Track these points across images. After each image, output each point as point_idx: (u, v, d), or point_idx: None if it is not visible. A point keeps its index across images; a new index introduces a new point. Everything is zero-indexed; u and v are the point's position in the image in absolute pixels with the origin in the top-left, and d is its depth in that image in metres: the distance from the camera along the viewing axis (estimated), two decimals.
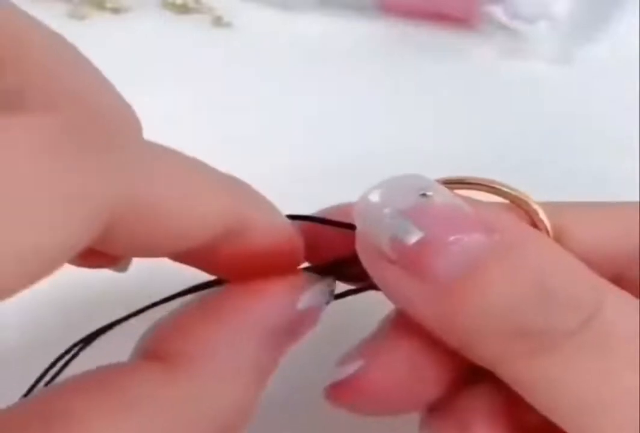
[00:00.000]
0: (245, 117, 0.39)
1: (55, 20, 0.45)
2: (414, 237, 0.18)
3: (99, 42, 0.43)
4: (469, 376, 0.21)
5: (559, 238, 0.21)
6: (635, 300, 0.18)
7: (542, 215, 0.21)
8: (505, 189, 0.21)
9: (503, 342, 0.18)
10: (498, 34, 0.42)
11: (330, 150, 0.37)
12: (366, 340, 0.21)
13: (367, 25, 0.44)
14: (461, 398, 0.21)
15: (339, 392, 0.21)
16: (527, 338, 0.17)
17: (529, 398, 0.18)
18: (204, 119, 0.39)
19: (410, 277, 0.18)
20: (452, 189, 0.21)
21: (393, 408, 0.21)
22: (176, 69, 0.41)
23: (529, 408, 0.18)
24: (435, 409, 0.21)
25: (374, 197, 0.19)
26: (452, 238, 0.18)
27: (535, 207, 0.21)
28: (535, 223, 0.21)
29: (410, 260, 0.18)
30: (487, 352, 0.18)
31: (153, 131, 0.37)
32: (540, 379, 0.18)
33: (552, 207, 0.22)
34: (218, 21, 0.44)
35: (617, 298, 0.18)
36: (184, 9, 0.44)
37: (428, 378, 0.20)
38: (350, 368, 0.21)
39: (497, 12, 0.42)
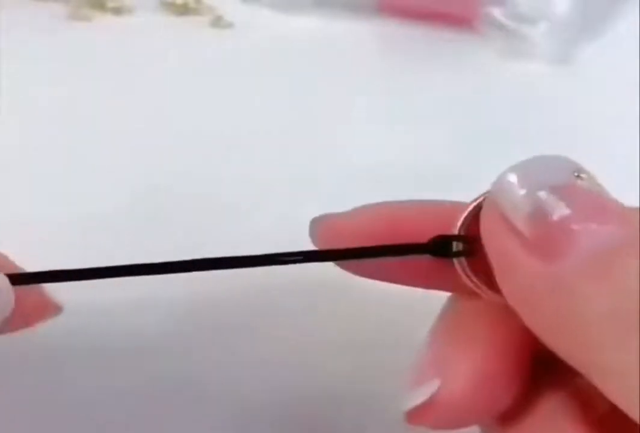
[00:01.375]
0: (245, 116, 0.39)
1: (56, 21, 0.46)
2: (559, 214, 0.18)
3: (99, 43, 0.43)
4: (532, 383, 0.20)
5: None
6: None
7: None
8: None
9: (610, 349, 0.17)
10: (498, 34, 0.42)
11: (327, 150, 0.37)
12: (430, 354, 0.21)
13: (366, 26, 0.44)
14: (539, 407, 0.20)
15: (421, 415, 0.20)
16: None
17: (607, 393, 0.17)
18: (203, 117, 0.39)
19: (538, 257, 0.18)
20: None
21: (468, 420, 0.21)
22: (176, 69, 0.41)
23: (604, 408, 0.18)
24: (509, 420, 0.21)
25: (520, 171, 0.19)
26: (594, 223, 0.18)
27: None
28: None
29: (545, 240, 0.18)
30: (592, 342, 0.17)
31: (153, 130, 0.38)
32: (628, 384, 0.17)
33: None
34: (218, 22, 0.44)
35: None
36: (184, 10, 0.44)
37: (499, 387, 0.20)
38: (428, 390, 0.20)
39: (497, 13, 0.42)
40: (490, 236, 0.19)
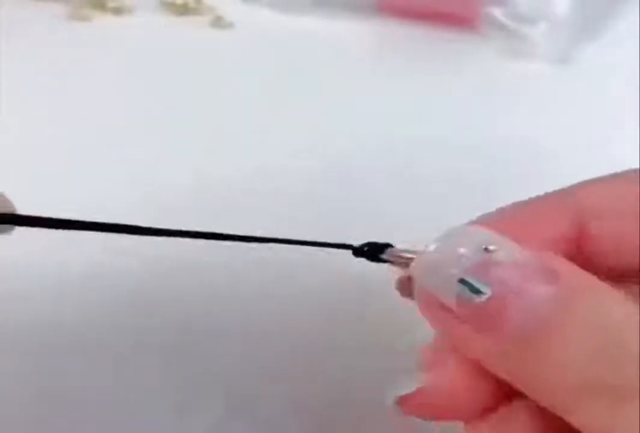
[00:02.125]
0: (245, 115, 0.39)
1: (56, 21, 0.46)
2: (482, 295, 0.18)
3: (100, 43, 0.43)
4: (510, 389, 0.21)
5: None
6: None
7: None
8: None
9: (578, 394, 0.18)
10: (498, 34, 0.42)
11: (327, 149, 0.37)
12: (428, 351, 0.21)
13: (366, 26, 0.44)
14: (504, 410, 0.21)
15: (409, 402, 0.21)
16: (602, 391, 0.17)
17: None
18: (203, 116, 0.39)
19: (481, 333, 0.18)
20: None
21: (451, 415, 0.21)
22: (176, 69, 0.41)
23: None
24: (476, 419, 0.21)
25: (435, 253, 0.19)
26: (521, 292, 0.18)
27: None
28: None
29: (480, 318, 0.18)
30: (560, 402, 0.18)
31: (152, 130, 0.38)
32: (614, 429, 0.18)
33: (574, 192, 0.22)
34: (218, 22, 0.44)
35: None
36: (184, 10, 0.44)
37: (483, 388, 0.21)
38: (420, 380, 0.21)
39: (497, 13, 0.42)
40: (432, 321, 0.20)
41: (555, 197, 0.22)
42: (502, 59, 0.42)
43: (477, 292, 0.18)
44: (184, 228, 0.21)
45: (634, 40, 0.42)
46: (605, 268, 0.20)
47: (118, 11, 0.44)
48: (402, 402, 0.21)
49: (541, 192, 0.35)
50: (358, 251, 0.22)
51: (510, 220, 0.22)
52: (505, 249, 0.19)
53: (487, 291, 0.18)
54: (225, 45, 0.43)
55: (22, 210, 0.23)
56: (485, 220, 0.21)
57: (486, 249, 0.19)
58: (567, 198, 0.22)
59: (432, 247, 0.19)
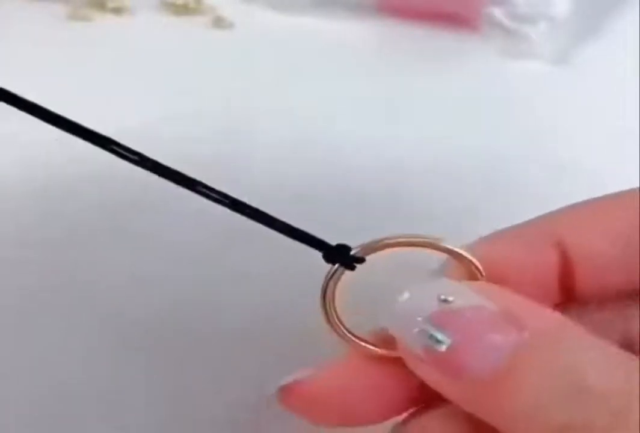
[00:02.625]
0: (246, 115, 0.39)
1: (56, 21, 0.45)
2: (443, 345, 0.19)
3: (100, 43, 0.43)
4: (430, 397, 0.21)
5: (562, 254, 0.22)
6: None
7: (477, 264, 0.22)
8: (441, 246, 0.22)
9: None
10: (498, 34, 0.42)
11: (326, 150, 0.37)
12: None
13: (366, 26, 0.44)
14: (423, 419, 0.22)
15: (287, 394, 0.22)
16: (567, 431, 0.18)
17: None
18: (203, 116, 0.39)
19: (449, 378, 0.19)
20: (383, 249, 0.22)
21: (349, 419, 0.22)
22: (177, 69, 0.42)
23: None
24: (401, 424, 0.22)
25: (400, 308, 0.20)
26: (480, 340, 0.19)
27: (470, 258, 0.22)
28: (472, 272, 0.22)
29: (444, 364, 0.19)
30: None
31: (151, 131, 0.38)
32: None
33: (556, 218, 0.22)
34: (219, 22, 0.44)
35: None
36: (184, 10, 0.44)
37: (386, 394, 0.22)
38: (303, 374, 0.22)
39: (497, 13, 0.42)
40: (408, 362, 0.21)
41: (536, 226, 0.23)
42: (502, 58, 0.42)
43: (438, 341, 0.19)
44: None
45: (634, 40, 0.42)
46: (597, 291, 0.21)
47: (118, 11, 0.44)
48: (283, 390, 0.22)
49: (537, 190, 0.35)
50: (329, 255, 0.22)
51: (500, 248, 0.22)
52: (463, 298, 0.20)
53: (447, 340, 0.19)
54: (225, 45, 0.43)
55: None
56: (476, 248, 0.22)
57: (444, 300, 0.20)
58: (547, 226, 0.23)
59: (398, 303, 0.20)
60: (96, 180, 0.34)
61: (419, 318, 0.19)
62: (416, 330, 0.19)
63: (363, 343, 0.22)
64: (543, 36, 0.41)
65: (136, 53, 0.42)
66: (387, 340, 0.22)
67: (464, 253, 0.22)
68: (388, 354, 0.22)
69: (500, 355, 0.18)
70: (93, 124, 0.39)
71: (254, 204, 0.22)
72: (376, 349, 0.22)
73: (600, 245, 0.22)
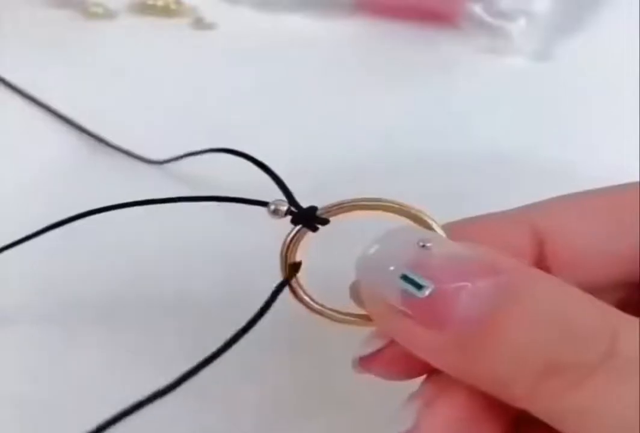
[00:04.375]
0: (229, 117, 0.39)
1: (41, 25, 0.45)
2: (424, 290, 0.18)
3: (81, 47, 0.43)
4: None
5: (546, 244, 0.22)
6: None
7: (439, 229, 0.22)
8: (404, 208, 0.22)
9: (531, 381, 0.18)
10: (478, 31, 0.42)
11: (313, 149, 0.37)
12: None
13: (347, 24, 0.44)
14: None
15: (367, 362, 0.22)
16: (554, 374, 0.18)
17: (557, 426, 0.18)
18: (186, 118, 0.39)
19: (428, 328, 0.19)
20: (349, 211, 0.22)
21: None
22: (159, 71, 0.41)
23: None
24: None
25: (375, 254, 0.19)
26: (462, 285, 0.18)
27: (430, 222, 0.22)
28: None
29: (426, 313, 0.18)
30: (516, 392, 0.18)
31: (137, 131, 0.38)
32: (572, 412, 0.18)
33: (533, 209, 0.23)
34: (199, 23, 0.44)
35: (628, 322, 0.19)
36: (165, 12, 0.44)
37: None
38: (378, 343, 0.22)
39: (477, 9, 0.42)
40: (380, 319, 0.20)
41: (512, 215, 0.23)
42: (483, 55, 0.42)
43: (419, 287, 0.18)
44: None
45: (613, 36, 0.43)
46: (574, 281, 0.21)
47: (100, 15, 0.44)
48: (363, 360, 0.22)
49: (524, 187, 0.35)
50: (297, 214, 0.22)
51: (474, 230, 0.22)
52: (441, 244, 0.19)
53: (429, 286, 0.18)
54: (207, 46, 0.43)
55: None
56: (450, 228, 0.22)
57: (423, 246, 0.19)
58: (523, 217, 0.23)
59: (371, 248, 0.20)
60: None
61: (395, 266, 0.19)
62: (395, 276, 0.19)
63: (328, 311, 0.22)
64: (523, 32, 0.42)
65: (117, 55, 0.42)
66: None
67: (430, 220, 0.22)
68: (356, 323, 0.22)
69: (484, 301, 0.18)
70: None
71: None
72: (345, 317, 0.22)
73: (579, 234, 0.22)
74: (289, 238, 0.22)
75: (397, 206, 0.22)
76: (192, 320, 0.31)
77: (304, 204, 0.23)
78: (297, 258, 0.22)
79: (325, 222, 0.22)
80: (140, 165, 0.36)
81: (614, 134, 0.38)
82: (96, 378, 0.29)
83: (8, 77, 0.40)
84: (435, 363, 0.19)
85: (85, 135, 0.37)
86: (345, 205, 0.22)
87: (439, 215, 0.22)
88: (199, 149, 0.36)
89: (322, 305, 0.22)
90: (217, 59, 0.42)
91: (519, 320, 0.18)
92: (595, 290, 0.21)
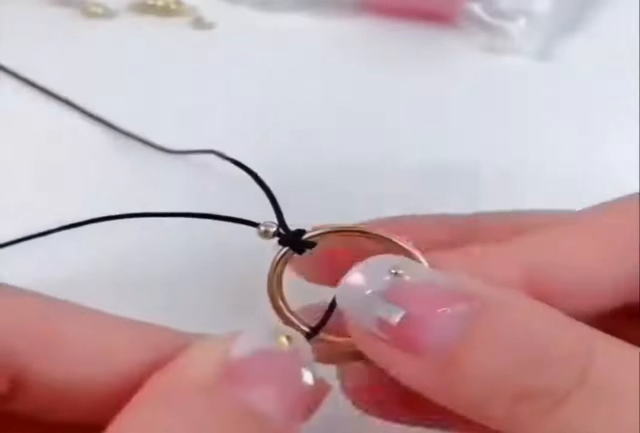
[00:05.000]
0: (229, 117, 0.39)
1: (41, 25, 0.45)
2: (397, 317, 0.19)
3: (81, 46, 0.43)
4: None
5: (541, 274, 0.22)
6: (621, 342, 0.19)
7: (421, 257, 0.22)
8: (386, 236, 0.22)
9: (506, 405, 0.18)
10: (478, 30, 0.42)
11: (313, 149, 0.37)
12: None
13: (348, 24, 0.44)
14: None
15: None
16: (527, 399, 0.18)
17: None
18: (187, 118, 0.39)
19: (405, 354, 0.19)
20: (334, 237, 0.22)
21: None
22: (159, 71, 0.41)
23: None
24: None
25: (352, 281, 0.20)
26: (433, 311, 0.19)
27: (412, 250, 0.22)
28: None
29: (399, 339, 0.19)
30: (494, 416, 0.19)
31: (137, 131, 0.38)
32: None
33: (524, 246, 0.22)
34: (199, 22, 0.44)
35: (606, 343, 0.19)
36: (165, 11, 0.44)
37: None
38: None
39: (477, 9, 0.42)
40: (362, 345, 0.20)
41: (502, 253, 0.23)
42: (483, 54, 0.42)
43: (391, 312, 0.19)
44: None
45: (614, 36, 0.43)
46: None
47: (99, 15, 0.44)
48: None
49: (524, 187, 0.35)
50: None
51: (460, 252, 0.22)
52: (413, 271, 0.20)
53: (400, 312, 0.19)
54: (207, 46, 0.43)
55: None
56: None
57: (395, 273, 0.20)
58: (513, 255, 0.22)
59: (350, 276, 0.20)
60: None
61: (369, 292, 0.19)
62: (371, 303, 0.19)
63: (306, 329, 0.22)
64: (524, 32, 0.42)
65: (117, 55, 0.42)
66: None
67: (411, 249, 0.22)
68: (343, 342, 0.22)
69: (455, 326, 0.18)
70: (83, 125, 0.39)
71: None
72: (330, 337, 0.22)
73: (572, 268, 0.22)
74: (275, 260, 0.23)
75: (380, 234, 0.22)
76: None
77: (301, 208, 0.23)
78: (284, 278, 0.23)
79: (312, 245, 0.23)
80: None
81: (614, 134, 0.38)
82: None
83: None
84: (416, 387, 0.20)
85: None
86: (331, 229, 0.23)
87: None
88: (195, 148, 0.36)
89: (304, 324, 0.23)
90: (217, 58, 0.42)
91: (489, 345, 0.18)
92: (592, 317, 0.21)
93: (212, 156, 0.33)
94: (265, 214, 0.23)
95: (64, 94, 0.39)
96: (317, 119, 0.39)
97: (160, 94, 0.40)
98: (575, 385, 0.18)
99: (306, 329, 0.22)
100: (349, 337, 0.21)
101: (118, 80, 0.41)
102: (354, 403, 0.23)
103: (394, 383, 0.20)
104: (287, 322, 0.22)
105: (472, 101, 0.40)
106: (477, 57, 0.42)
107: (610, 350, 0.18)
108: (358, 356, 0.21)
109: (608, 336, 0.19)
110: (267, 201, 0.23)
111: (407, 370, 0.19)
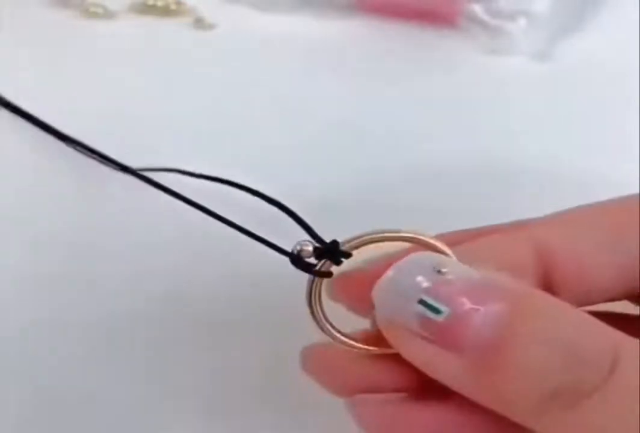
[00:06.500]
0: (228, 118, 0.39)
1: (40, 26, 0.45)
2: (442, 315, 0.19)
3: (82, 47, 0.43)
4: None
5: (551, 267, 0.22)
6: None
7: (453, 256, 0.22)
8: (422, 239, 0.22)
9: (537, 402, 0.19)
10: (478, 31, 0.42)
11: (314, 151, 0.37)
12: None
13: (347, 25, 0.44)
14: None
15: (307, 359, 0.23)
16: (558, 396, 0.18)
17: None
18: (187, 118, 0.39)
19: (447, 352, 0.19)
20: (369, 243, 0.22)
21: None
22: (159, 71, 0.42)
23: None
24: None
25: (393, 280, 0.20)
26: (478, 309, 0.19)
27: (446, 251, 0.22)
28: None
29: (443, 336, 0.19)
30: (523, 412, 0.19)
31: (141, 133, 0.38)
32: (573, 429, 0.19)
33: (535, 226, 0.23)
34: (200, 23, 0.44)
35: (630, 346, 0.19)
36: (165, 12, 0.44)
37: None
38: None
39: (478, 9, 0.42)
40: (399, 345, 0.21)
41: (514, 232, 0.23)
42: (483, 55, 0.42)
43: (436, 311, 0.19)
44: None
45: (613, 36, 0.43)
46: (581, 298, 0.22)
47: (100, 15, 0.44)
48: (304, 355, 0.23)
49: (525, 187, 0.35)
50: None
51: (474, 243, 0.23)
52: (456, 270, 0.20)
53: (445, 310, 0.19)
54: (207, 46, 0.43)
55: None
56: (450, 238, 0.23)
57: (439, 271, 0.20)
58: (525, 234, 0.23)
59: (389, 274, 0.21)
60: None
61: (413, 292, 0.20)
62: (413, 301, 0.20)
63: (350, 341, 0.22)
64: (523, 32, 0.42)
65: (117, 55, 0.42)
66: (375, 338, 0.22)
67: (445, 249, 0.22)
68: (378, 352, 0.22)
69: (496, 325, 0.19)
70: (82, 128, 0.39)
71: None
72: (365, 347, 0.22)
73: (583, 249, 0.23)
74: (315, 270, 0.23)
75: (415, 237, 0.22)
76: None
77: (315, 218, 0.23)
78: (323, 295, 0.23)
79: (348, 255, 0.22)
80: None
81: (614, 134, 0.38)
82: None
83: (6, 75, 0.40)
84: (453, 386, 0.20)
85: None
86: (366, 238, 0.22)
87: (446, 219, 0.22)
88: (198, 150, 0.36)
89: (348, 337, 0.23)
90: (217, 59, 0.42)
91: (529, 343, 0.19)
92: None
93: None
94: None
95: (64, 94, 0.39)
96: (316, 119, 0.39)
97: (161, 94, 0.40)
98: (601, 382, 0.18)
99: (344, 339, 0.23)
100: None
101: (117, 80, 0.41)
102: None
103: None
104: (328, 334, 0.23)
105: (471, 101, 0.40)
106: (477, 57, 0.42)
107: (634, 350, 0.19)
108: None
109: (630, 338, 0.19)
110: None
111: (447, 368, 0.20)
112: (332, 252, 0.22)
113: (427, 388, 0.22)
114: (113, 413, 0.28)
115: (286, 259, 0.23)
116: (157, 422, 0.28)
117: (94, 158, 0.35)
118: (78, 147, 0.35)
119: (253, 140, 0.38)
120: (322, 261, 0.23)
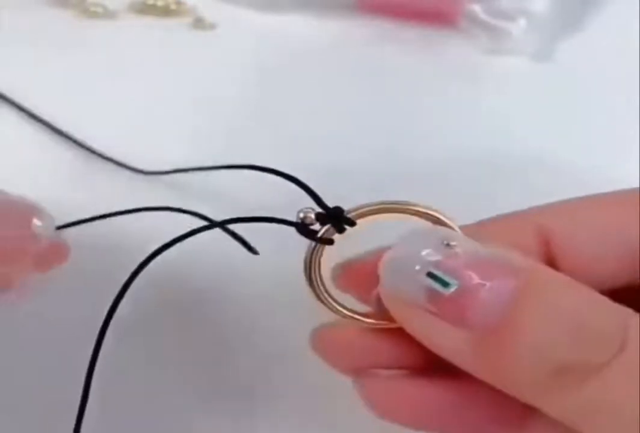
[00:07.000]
0: (229, 118, 0.39)
1: (40, 25, 0.45)
2: (451, 288, 0.19)
3: (82, 47, 0.43)
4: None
5: (550, 248, 0.22)
6: None
7: (459, 231, 0.22)
8: (429, 211, 0.22)
9: (543, 379, 0.18)
10: (478, 31, 0.42)
11: (315, 150, 0.37)
12: None
13: (348, 25, 0.44)
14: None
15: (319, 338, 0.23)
16: (565, 372, 0.18)
17: (570, 425, 0.19)
18: (187, 120, 0.39)
19: (453, 326, 0.19)
20: (375, 213, 0.22)
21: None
22: (159, 71, 0.41)
23: None
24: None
25: (400, 253, 0.20)
26: (486, 284, 0.19)
27: (452, 225, 0.22)
28: None
29: (451, 310, 0.19)
30: (529, 389, 0.19)
31: (140, 133, 0.38)
32: (579, 407, 0.18)
33: (539, 211, 0.23)
34: (200, 23, 0.44)
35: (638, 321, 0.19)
36: (165, 12, 0.44)
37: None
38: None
39: (478, 9, 0.42)
40: (404, 319, 0.20)
41: (518, 216, 0.23)
42: (483, 55, 0.42)
43: (445, 285, 0.19)
44: None
45: (613, 36, 0.43)
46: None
47: (99, 15, 0.44)
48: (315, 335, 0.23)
49: (525, 187, 0.35)
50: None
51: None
52: (465, 244, 0.20)
53: (454, 283, 0.19)
54: (207, 46, 0.43)
55: None
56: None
57: (447, 244, 0.20)
58: (529, 217, 0.23)
59: (395, 247, 0.20)
60: None
61: (421, 265, 0.19)
62: (420, 274, 0.19)
63: (350, 313, 0.22)
64: (524, 32, 0.42)
65: (117, 55, 0.42)
66: (377, 318, 0.22)
67: (452, 224, 0.22)
68: (382, 325, 0.22)
69: (504, 300, 0.19)
70: (82, 127, 0.39)
71: None
72: (366, 320, 0.22)
73: (584, 235, 0.22)
74: (318, 237, 0.22)
75: (422, 210, 0.22)
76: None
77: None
78: (323, 262, 0.22)
79: (352, 223, 0.22)
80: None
81: (614, 133, 0.38)
82: None
83: (7, 76, 0.40)
84: (457, 361, 0.20)
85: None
86: (372, 207, 0.22)
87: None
88: (198, 150, 0.36)
89: (346, 308, 0.22)
90: (217, 59, 0.42)
91: (536, 319, 0.18)
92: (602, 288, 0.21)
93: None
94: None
95: (63, 94, 0.39)
96: (316, 119, 0.39)
97: (161, 94, 0.40)
98: (607, 362, 0.18)
99: (345, 312, 0.22)
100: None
101: (117, 80, 0.41)
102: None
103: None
104: (326, 304, 0.22)
105: (471, 101, 0.40)
106: (477, 57, 0.42)
107: None
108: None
109: (638, 313, 0.19)
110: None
111: (452, 343, 0.19)
112: (335, 217, 0.22)
113: (433, 367, 0.22)
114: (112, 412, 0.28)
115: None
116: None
117: (93, 154, 0.35)
118: (78, 147, 0.35)
119: (253, 140, 0.38)
120: (325, 227, 0.22)
